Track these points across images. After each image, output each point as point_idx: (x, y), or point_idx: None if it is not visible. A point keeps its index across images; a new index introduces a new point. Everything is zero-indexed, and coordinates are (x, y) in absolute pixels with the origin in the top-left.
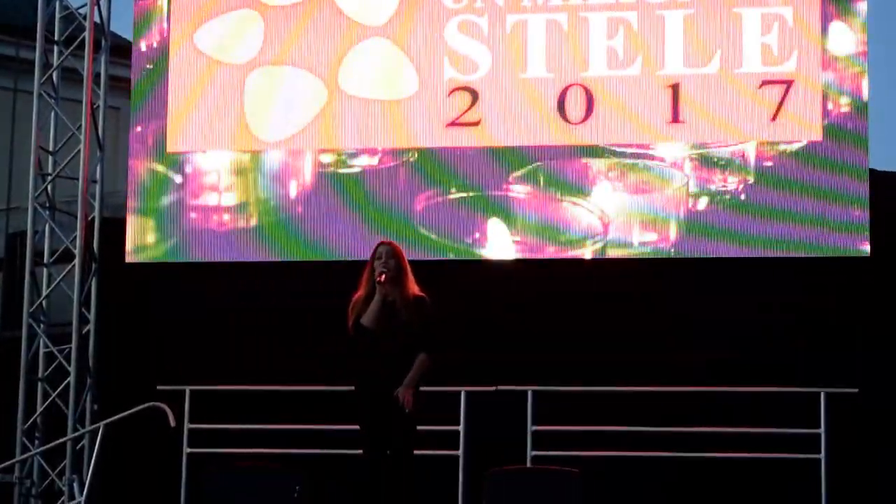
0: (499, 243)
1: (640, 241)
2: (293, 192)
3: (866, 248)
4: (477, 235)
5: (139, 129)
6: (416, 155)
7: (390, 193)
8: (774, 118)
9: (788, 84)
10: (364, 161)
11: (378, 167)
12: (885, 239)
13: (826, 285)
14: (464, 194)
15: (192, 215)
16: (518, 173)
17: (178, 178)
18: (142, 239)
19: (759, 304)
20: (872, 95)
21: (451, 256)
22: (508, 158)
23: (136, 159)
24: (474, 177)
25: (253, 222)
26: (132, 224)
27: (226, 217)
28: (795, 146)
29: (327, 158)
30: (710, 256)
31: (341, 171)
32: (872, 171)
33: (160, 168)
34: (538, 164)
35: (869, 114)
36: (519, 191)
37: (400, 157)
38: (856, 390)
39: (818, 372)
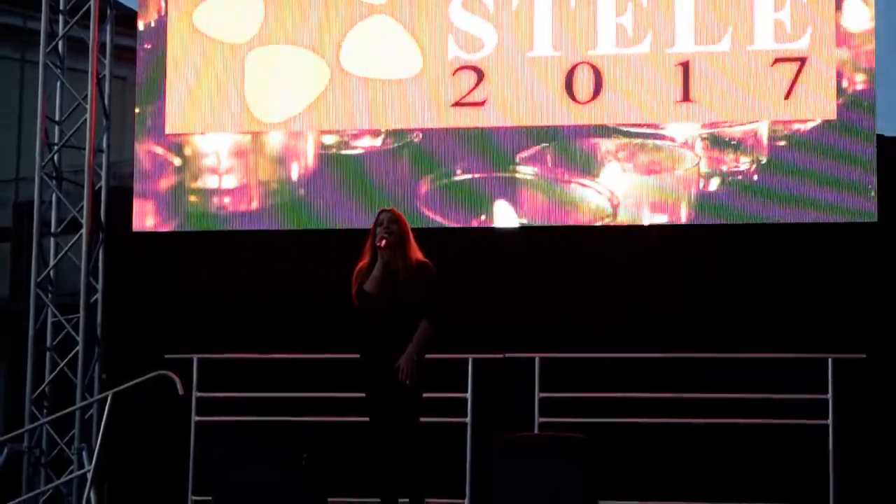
0: (505, 225)
1: (650, 223)
2: (295, 174)
3: (873, 212)
4: (483, 218)
5: (137, 110)
6: (421, 136)
7: (394, 175)
8: (788, 97)
9: (802, 61)
10: (367, 142)
11: (381, 148)
12: (893, 204)
13: (833, 251)
14: (469, 176)
15: (192, 198)
16: (525, 154)
17: (177, 161)
18: (140, 223)
19: (767, 270)
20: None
21: (459, 234)
22: (515, 139)
23: (135, 141)
24: (480, 158)
25: (254, 205)
26: (134, 207)
27: (226, 200)
28: (809, 125)
29: (329, 140)
30: (716, 223)
31: (344, 152)
32: (880, 137)
33: (159, 150)
34: (545, 144)
35: (877, 79)
36: (526, 172)
37: (403, 138)
38: (863, 356)
39: (826, 338)
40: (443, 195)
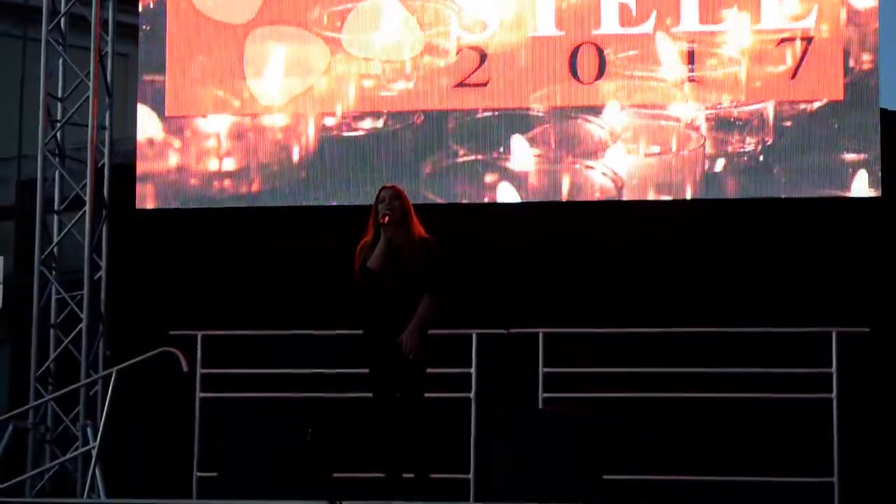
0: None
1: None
2: (296, 156)
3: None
4: (486, 200)
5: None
6: (423, 117)
7: (396, 157)
8: (794, 76)
9: (808, 41)
10: (368, 124)
11: (383, 130)
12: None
13: (837, 226)
14: (472, 157)
15: (192, 181)
16: (528, 135)
17: (176, 143)
18: (142, 204)
19: (772, 245)
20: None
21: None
22: (518, 120)
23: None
24: (483, 139)
25: (254, 188)
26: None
27: (226, 183)
28: (816, 105)
29: (331, 122)
30: (719, 198)
31: (345, 134)
32: (883, 111)
33: (159, 133)
34: (549, 125)
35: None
36: (529, 153)
37: (405, 119)
38: (867, 330)
39: (829, 312)
40: (445, 177)
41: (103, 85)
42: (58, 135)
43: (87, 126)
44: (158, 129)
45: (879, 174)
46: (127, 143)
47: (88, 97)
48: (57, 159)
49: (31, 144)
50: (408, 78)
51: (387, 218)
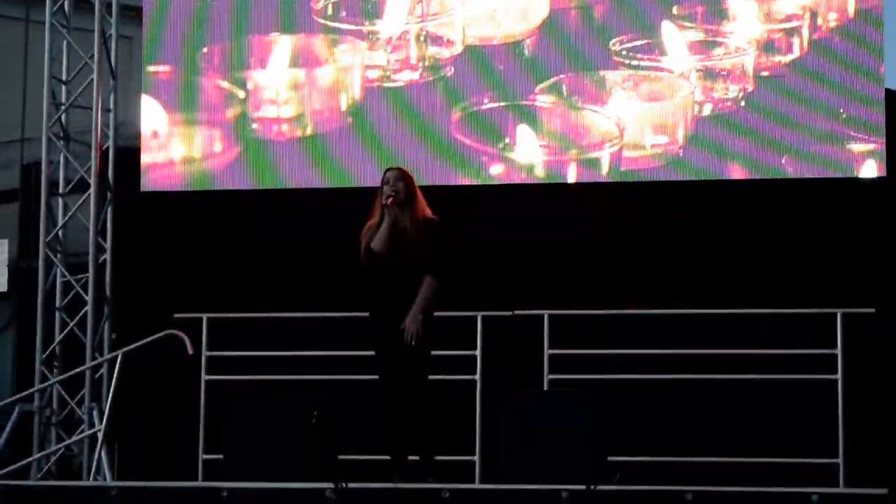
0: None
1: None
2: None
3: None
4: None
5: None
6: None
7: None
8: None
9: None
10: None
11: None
12: None
13: (842, 207)
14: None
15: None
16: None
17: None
18: (146, 187)
19: (776, 225)
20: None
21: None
22: (524, 111)
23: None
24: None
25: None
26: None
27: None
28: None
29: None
30: (726, 179)
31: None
32: (888, 91)
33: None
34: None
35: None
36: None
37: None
38: (872, 310)
39: (835, 292)
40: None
41: (107, 67)
42: (62, 118)
43: (91, 109)
44: (163, 121)
45: (885, 155)
46: (131, 125)
47: (93, 80)
48: (61, 142)
49: (35, 127)
50: (413, 69)
51: (389, 200)
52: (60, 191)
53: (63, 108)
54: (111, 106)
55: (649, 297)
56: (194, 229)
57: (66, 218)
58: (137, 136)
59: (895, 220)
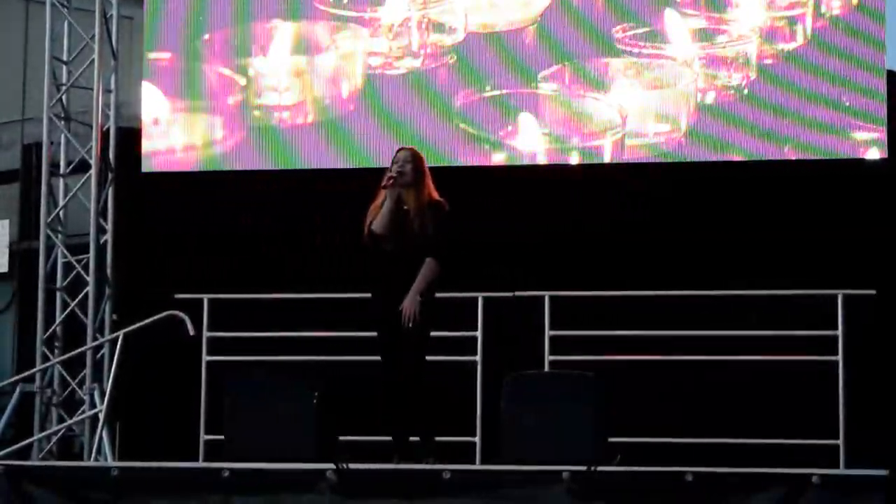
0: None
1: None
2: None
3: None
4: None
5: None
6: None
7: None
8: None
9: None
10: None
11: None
12: None
13: (844, 188)
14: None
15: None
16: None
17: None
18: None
19: (778, 206)
20: None
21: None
22: (526, 99)
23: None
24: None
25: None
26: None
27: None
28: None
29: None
30: (725, 160)
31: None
32: (890, 73)
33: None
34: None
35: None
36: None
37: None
38: (873, 292)
39: (836, 274)
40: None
41: (108, 48)
42: (63, 98)
43: (92, 89)
44: (165, 108)
45: (887, 142)
46: (132, 106)
47: (93, 60)
48: (62, 122)
49: (36, 108)
50: (415, 56)
51: (390, 181)
52: (61, 171)
53: (64, 88)
54: (112, 86)
55: (650, 278)
56: (195, 210)
57: (67, 199)
58: (138, 116)
59: None
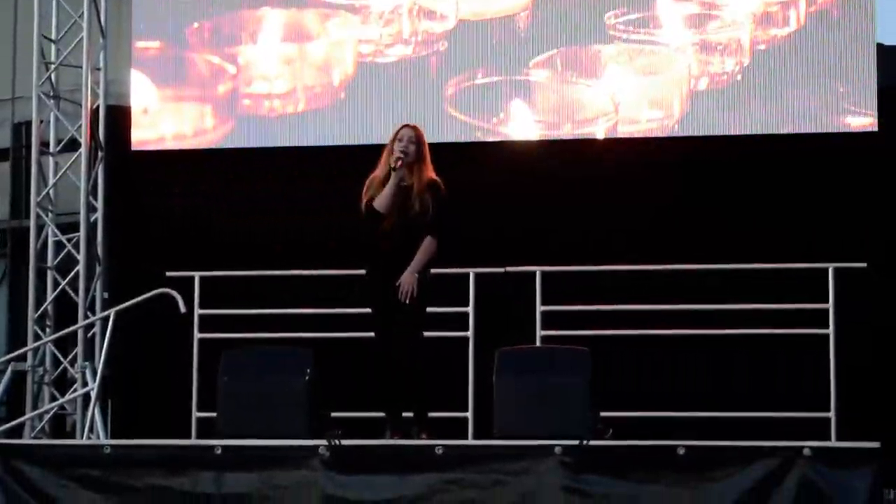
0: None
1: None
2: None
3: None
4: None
5: (195, 25)
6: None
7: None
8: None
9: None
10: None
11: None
12: (892, 112)
13: (835, 160)
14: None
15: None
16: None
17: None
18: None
19: (769, 180)
20: None
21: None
22: (518, 86)
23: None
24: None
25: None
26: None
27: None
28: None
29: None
30: (717, 135)
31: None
32: (880, 46)
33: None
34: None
35: None
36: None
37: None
38: (864, 265)
39: (827, 247)
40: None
41: (97, 26)
42: (52, 76)
43: (81, 67)
44: (154, 97)
45: (877, 108)
46: (122, 84)
47: (82, 38)
48: (52, 101)
49: (26, 86)
50: (406, 43)
51: (399, 162)
52: (51, 150)
53: (53, 66)
54: (101, 64)
55: (641, 253)
56: (186, 187)
57: (57, 177)
58: (128, 94)
59: (888, 175)
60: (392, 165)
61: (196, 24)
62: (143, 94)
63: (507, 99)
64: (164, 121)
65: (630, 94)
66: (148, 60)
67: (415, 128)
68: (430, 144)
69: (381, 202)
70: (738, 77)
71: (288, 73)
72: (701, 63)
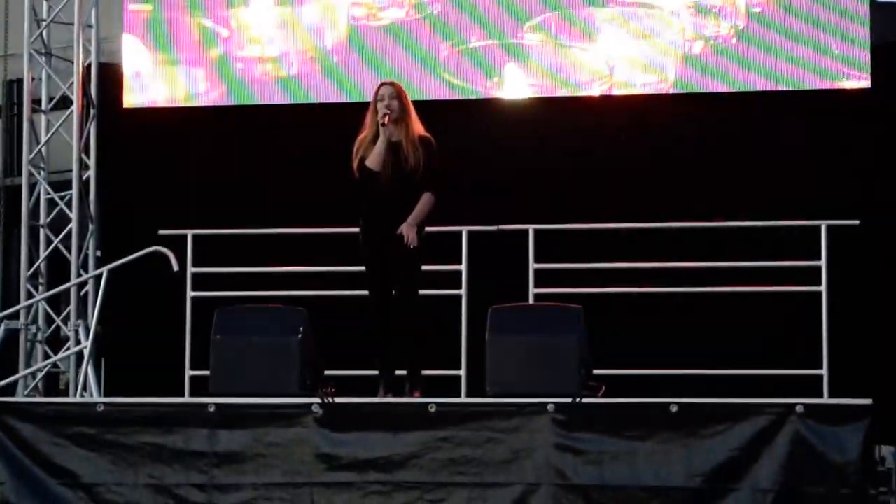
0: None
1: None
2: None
3: (866, 80)
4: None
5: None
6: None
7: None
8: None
9: None
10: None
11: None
12: (886, 70)
13: (827, 117)
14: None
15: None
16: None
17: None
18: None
19: (761, 137)
20: None
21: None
22: (523, 9)
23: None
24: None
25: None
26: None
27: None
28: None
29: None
30: (710, 92)
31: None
32: (873, 2)
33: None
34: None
35: None
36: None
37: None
38: (857, 222)
39: (819, 204)
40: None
41: None
42: (44, 34)
43: (73, 24)
44: (147, 61)
45: (870, 65)
46: (114, 41)
47: None
48: (43, 58)
49: (18, 43)
50: (399, 6)
51: (386, 118)
52: (43, 107)
53: (44, 23)
54: (93, 22)
55: (633, 211)
56: (178, 145)
57: (50, 135)
58: (120, 52)
59: (880, 132)
60: (380, 121)
61: None
62: (135, 58)
63: (501, 62)
64: (155, 85)
65: (625, 57)
66: (140, 23)
67: (392, 83)
68: (423, 103)
69: (373, 160)
70: (734, 40)
71: (280, 37)
72: (696, 26)
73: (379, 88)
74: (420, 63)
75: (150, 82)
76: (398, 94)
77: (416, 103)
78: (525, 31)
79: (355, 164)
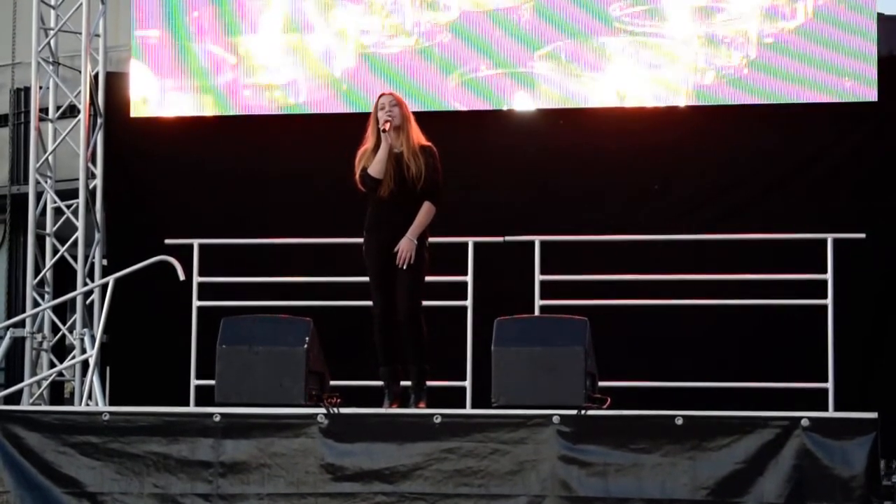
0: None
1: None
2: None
3: (873, 93)
4: (505, 108)
5: (195, 14)
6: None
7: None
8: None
9: None
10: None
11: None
12: (893, 83)
13: (833, 130)
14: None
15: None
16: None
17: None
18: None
19: (766, 151)
20: None
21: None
22: (522, 78)
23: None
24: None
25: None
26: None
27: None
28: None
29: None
30: (718, 104)
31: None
32: (881, 16)
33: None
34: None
35: None
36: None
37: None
38: (863, 236)
39: (825, 217)
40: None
41: None
42: (51, 42)
43: (80, 33)
44: (154, 87)
45: (877, 79)
46: (121, 50)
47: (81, 4)
48: (51, 67)
49: (26, 52)
50: (408, 34)
51: (387, 125)
52: (50, 116)
53: (52, 32)
54: (100, 31)
55: (639, 223)
56: (185, 154)
57: (57, 143)
58: (127, 61)
59: (887, 145)
60: (381, 128)
61: (195, 13)
62: (142, 84)
63: (511, 91)
64: (164, 111)
65: (635, 86)
66: (147, 50)
67: (392, 94)
68: (431, 115)
69: (375, 168)
70: (745, 70)
71: (288, 64)
72: (707, 56)
73: (379, 99)
74: (429, 90)
75: (158, 109)
76: (398, 103)
77: (419, 114)
78: (535, 60)
79: (358, 174)
